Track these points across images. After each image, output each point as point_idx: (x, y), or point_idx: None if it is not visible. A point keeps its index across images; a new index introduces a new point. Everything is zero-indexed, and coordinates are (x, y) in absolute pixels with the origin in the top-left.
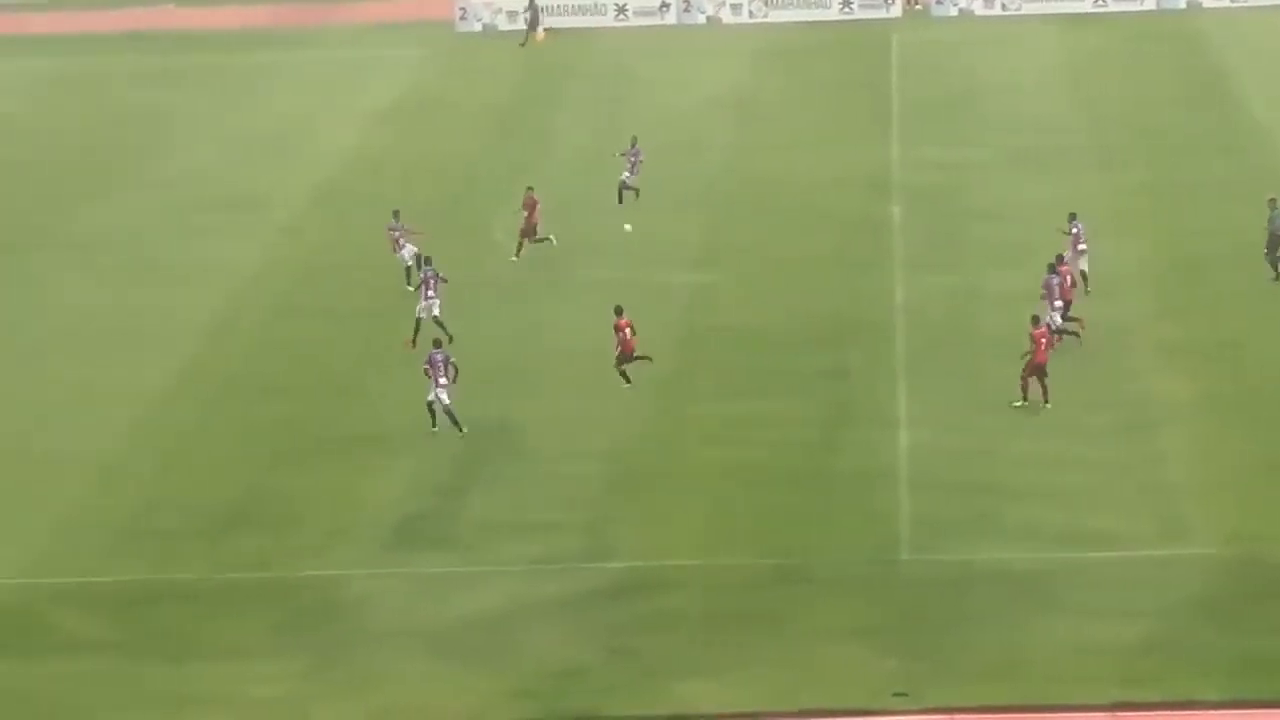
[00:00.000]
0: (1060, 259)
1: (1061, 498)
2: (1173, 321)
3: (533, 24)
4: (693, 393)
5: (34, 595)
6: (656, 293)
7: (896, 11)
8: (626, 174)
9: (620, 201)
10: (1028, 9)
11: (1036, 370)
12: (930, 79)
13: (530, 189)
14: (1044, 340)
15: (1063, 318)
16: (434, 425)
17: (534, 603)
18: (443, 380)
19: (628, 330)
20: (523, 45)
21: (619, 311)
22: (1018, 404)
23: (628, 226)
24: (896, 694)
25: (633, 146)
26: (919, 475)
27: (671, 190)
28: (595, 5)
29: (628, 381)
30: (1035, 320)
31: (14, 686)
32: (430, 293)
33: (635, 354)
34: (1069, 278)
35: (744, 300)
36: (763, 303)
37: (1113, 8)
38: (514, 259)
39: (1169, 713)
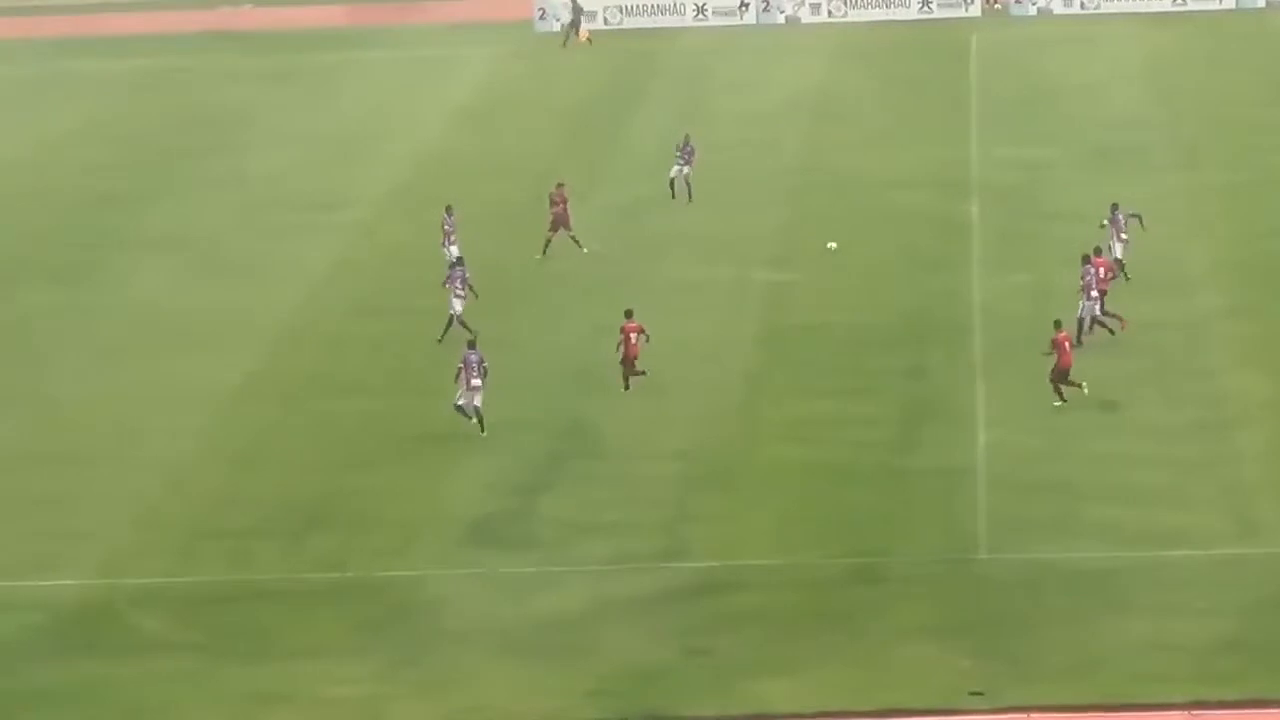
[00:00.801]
0: (1097, 251)
1: (1137, 496)
2: (1249, 319)
3: (575, 24)
4: (769, 391)
5: (113, 595)
6: (734, 291)
7: (976, 11)
8: (677, 168)
9: (673, 196)
10: (1107, 8)
11: (1063, 374)
12: (1009, 78)
13: (561, 184)
14: (1068, 343)
15: (1101, 310)
16: (482, 430)
17: (611, 602)
18: (475, 382)
19: (633, 336)
20: (564, 45)
21: (629, 315)
22: (1057, 404)
23: (832, 245)
24: (973, 693)
25: (686, 143)
26: (996, 474)
27: (749, 189)
28: (674, 5)
29: (627, 387)
30: (1057, 325)
31: (93, 686)
32: (460, 290)
33: (636, 363)
34: (1105, 270)
35: (821, 299)
36: (840, 301)
37: (1192, 6)
38: (539, 257)
39: (1247, 711)
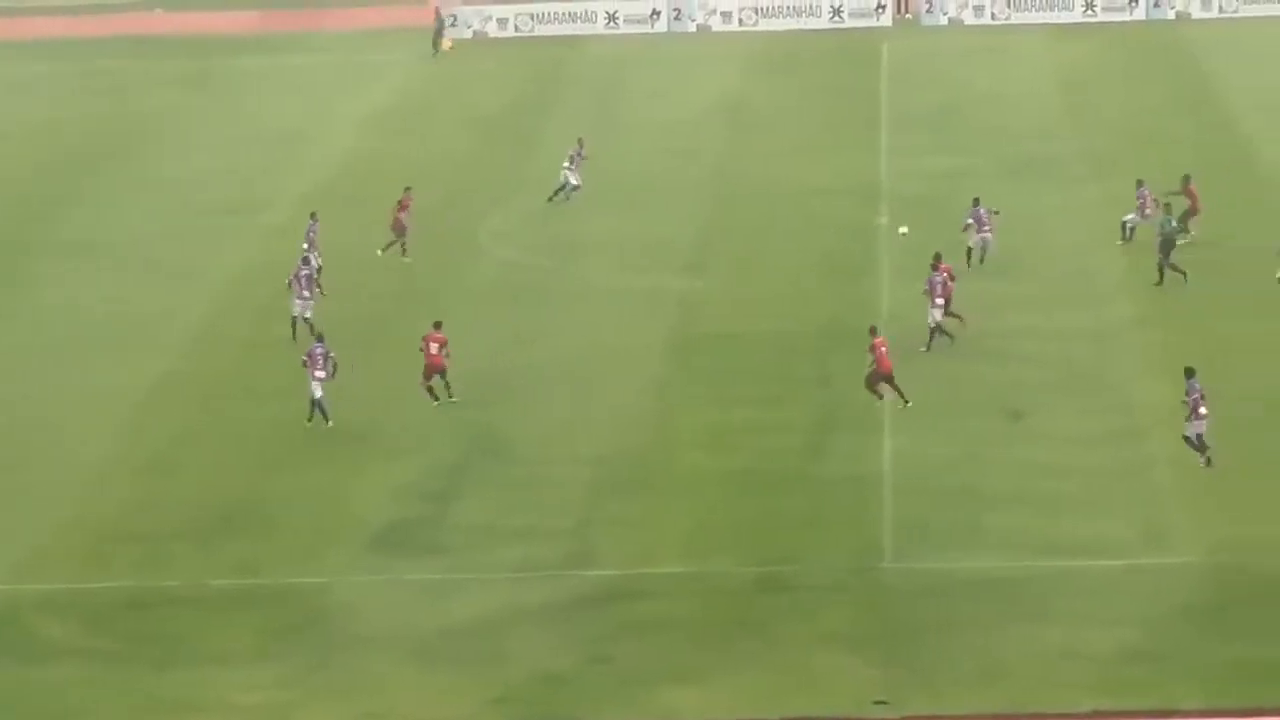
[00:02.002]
0: (938, 257)
1: (1045, 505)
2: (1159, 328)
3: (439, 33)
4: (683, 398)
5: (19, 601)
6: (650, 297)
7: (887, 20)
8: (567, 171)
9: (551, 199)
10: (1017, 18)
11: (882, 378)
12: (920, 87)
13: (409, 189)
14: (883, 348)
15: (944, 314)
16: (309, 420)
17: (519, 609)
18: (320, 374)
19: (434, 346)
20: (434, 55)
21: (437, 326)
22: (878, 404)
23: (904, 230)
24: (877, 702)
25: (580, 147)
26: (904, 482)
27: (666, 196)
28: (585, 13)
29: (435, 399)
30: (874, 330)
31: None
32: (305, 293)
33: (442, 375)
34: (949, 275)
35: (733, 307)
36: (754, 309)
37: (1102, 18)
38: (380, 253)
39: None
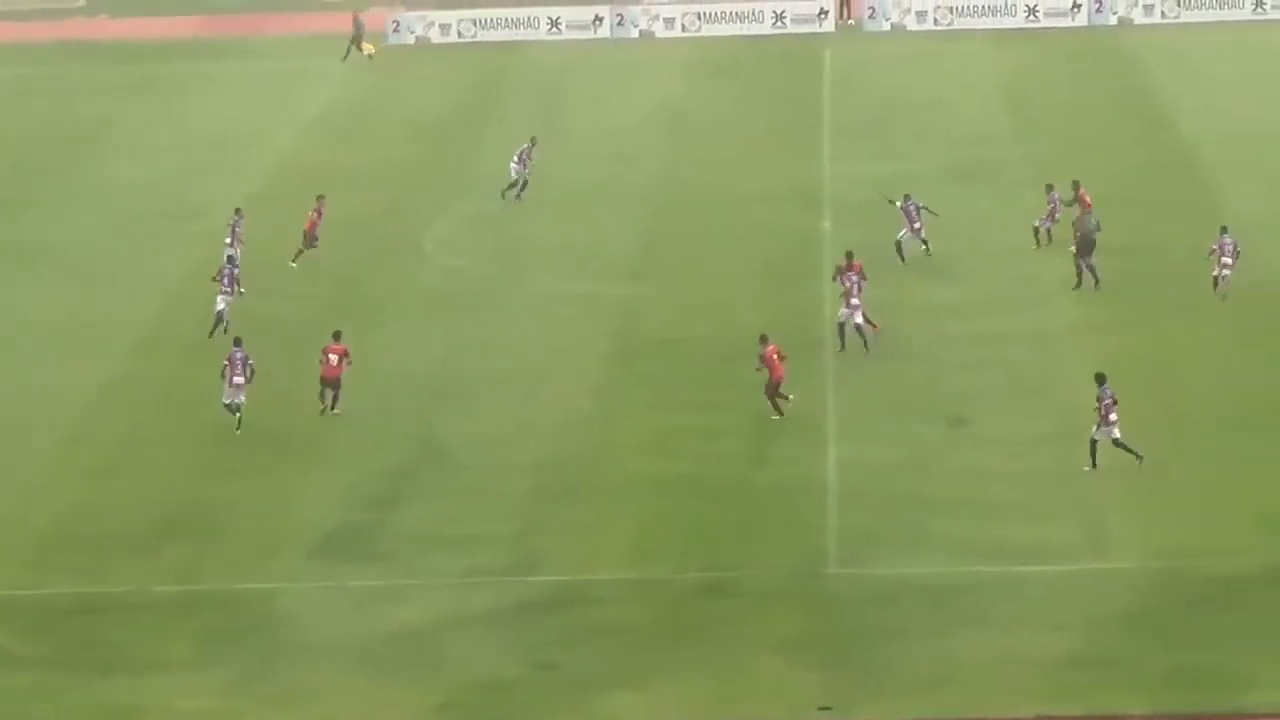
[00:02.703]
0: (850, 255)
1: (989, 510)
2: (1100, 333)
3: (357, 39)
4: (625, 405)
5: None
6: (591, 303)
7: (829, 26)
8: (514, 166)
9: (504, 196)
10: (960, 24)
11: (774, 388)
12: (863, 93)
13: (321, 197)
14: (776, 356)
15: (864, 318)
16: (237, 428)
17: (461, 616)
18: (238, 379)
19: (332, 357)
20: (344, 59)
21: (336, 336)
22: (775, 418)
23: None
24: (822, 708)
25: (530, 145)
26: (847, 488)
27: (609, 202)
28: (528, 19)
29: (324, 409)
30: (764, 340)
31: None
32: (226, 288)
33: (336, 387)
34: (860, 275)
35: (675, 313)
36: (694, 316)
37: (1045, 24)
38: (293, 264)
39: None
